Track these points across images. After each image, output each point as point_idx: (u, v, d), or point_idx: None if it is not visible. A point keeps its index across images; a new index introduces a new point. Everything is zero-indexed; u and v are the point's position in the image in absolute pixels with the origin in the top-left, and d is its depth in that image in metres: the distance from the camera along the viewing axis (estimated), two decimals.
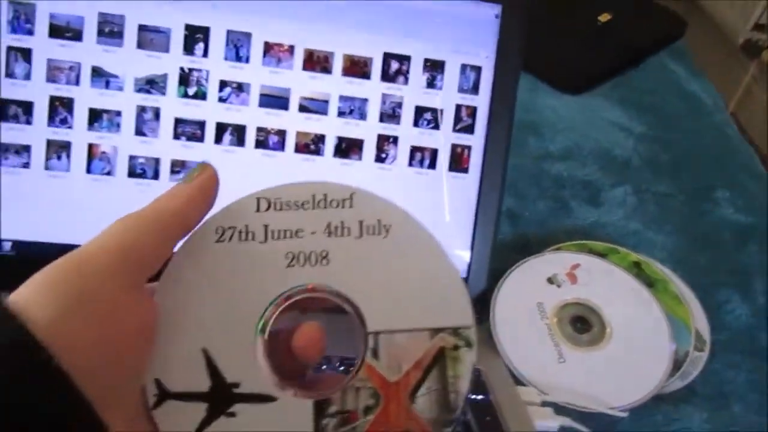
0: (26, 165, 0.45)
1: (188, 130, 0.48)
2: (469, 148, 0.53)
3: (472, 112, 0.52)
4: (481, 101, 0.52)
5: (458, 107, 0.52)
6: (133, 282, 0.23)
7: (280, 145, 0.50)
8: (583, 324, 0.54)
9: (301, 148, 0.50)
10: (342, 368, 0.30)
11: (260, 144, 0.49)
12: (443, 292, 0.27)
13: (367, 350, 0.27)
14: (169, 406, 0.25)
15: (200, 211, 0.26)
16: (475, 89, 0.52)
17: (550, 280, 0.57)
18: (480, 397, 0.44)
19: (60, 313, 0.21)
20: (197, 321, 0.26)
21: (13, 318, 0.20)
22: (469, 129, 0.53)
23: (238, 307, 0.26)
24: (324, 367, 0.31)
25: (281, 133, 0.50)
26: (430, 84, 0.51)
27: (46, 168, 0.45)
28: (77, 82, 0.45)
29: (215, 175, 0.27)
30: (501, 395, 0.45)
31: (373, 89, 0.51)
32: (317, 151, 0.50)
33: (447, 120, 0.52)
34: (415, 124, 0.52)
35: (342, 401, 0.26)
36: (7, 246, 0.44)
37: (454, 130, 0.52)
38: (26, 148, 0.45)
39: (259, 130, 0.49)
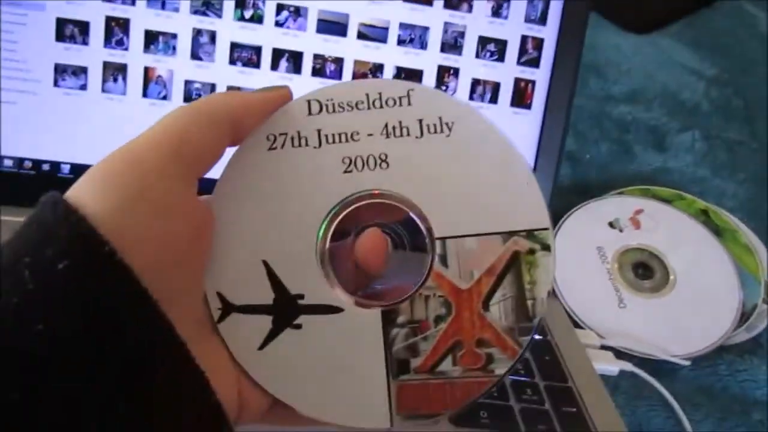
0: (83, 87, 0.44)
1: (244, 55, 0.46)
2: (533, 82, 0.50)
3: (539, 44, 0.49)
4: (549, 33, 0.49)
5: (524, 38, 0.49)
6: (186, 179, 0.22)
7: (338, 74, 0.48)
8: (645, 270, 0.52)
9: (359, 77, 0.48)
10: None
11: (317, 72, 0.48)
12: (515, 192, 0.25)
13: (435, 257, 0.25)
14: (233, 320, 0.24)
15: (255, 118, 0.25)
16: (542, 20, 0.49)
17: (612, 225, 0.54)
18: (538, 336, 0.43)
19: (119, 208, 0.20)
20: (255, 232, 0.25)
21: (73, 211, 0.19)
22: (535, 62, 0.50)
23: (296, 216, 0.25)
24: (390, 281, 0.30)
25: (338, 61, 0.48)
26: (495, 12, 0.49)
27: (103, 90, 0.45)
28: (133, 2, 0.44)
29: (287, 95, 0.25)
30: (559, 337, 0.44)
31: (435, 17, 0.48)
32: None
33: (511, 52, 0.50)
34: (478, 55, 0.49)
35: (411, 311, 0.25)
36: (66, 169, 0.44)
37: (519, 63, 0.50)
38: (83, 70, 0.44)
39: (316, 57, 0.47)
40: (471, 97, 0.50)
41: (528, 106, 0.50)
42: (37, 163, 0.44)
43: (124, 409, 0.18)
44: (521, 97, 0.50)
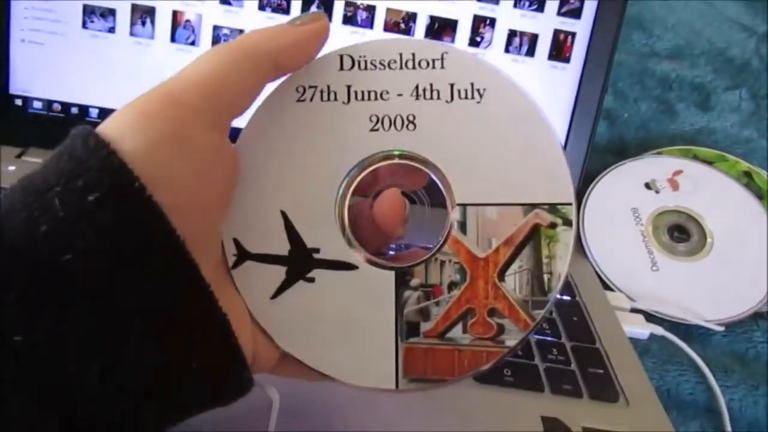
0: (111, 30, 0.44)
1: (274, 0, 0.45)
2: (573, 35, 0.48)
3: None
4: None
5: None
6: (221, 121, 0.22)
7: (369, 22, 0.47)
8: (681, 233, 0.50)
9: (391, 26, 0.47)
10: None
11: (348, 20, 0.46)
12: (541, 165, 0.25)
13: (454, 223, 0.25)
14: (247, 267, 0.24)
15: (296, 60, 0.24)
16: None
17: (648, 186, 0.52)
18: (567, 297, 0.42)
19: (152, 146, 0.19)
20: (276, 182, 0.25)
21: (105, 145, 0.19)
22: (576, 13, 0.48)
23: (318, 170, 0.25)
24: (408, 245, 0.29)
25: (371, 9, 0.46)
26: None
27: (131, 34, 0.44)
28: None
29: (326, 28, 0.24)
30: (588, 298, 0.43)
31: None
32: (408, 31, 0.47)
33: (552, 1, 0.47)
34: (516, 4, 0.47)
35: (425, 275, 0.25)
36: (95, 113, 0.44)
37: (559, 13, 0.48)
38: (111, 12, 0.44)
39: (348, 4, 0.46)
40: (507, 50, 0.48)
41: (567, 60, 0.49)
42: (66, 106, 0.44)
43: (146, 343, 0.19)
44: (560, 50, 0.48)
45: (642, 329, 0.43)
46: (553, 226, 0.25)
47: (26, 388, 0.17)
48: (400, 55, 0.25)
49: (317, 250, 0.25)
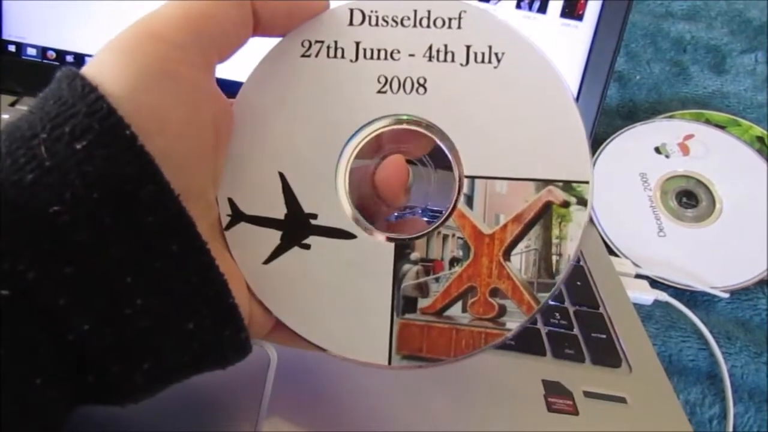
0: None
1: None
2: None
3: None
4: None
5: None
6: (206, 61, 0.21)
7: None
8: (689, 198, 0.49)
9: None
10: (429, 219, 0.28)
11: None
12: (559, 139, 0.23)
13: (460, 195, 0.23)
14: (241, 229, 0.23)
15: (280, 21, 0.23)
16: None
17: (658, 150, 0.51)
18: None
19: (138, 86, 0.18)
20: (275, 141, 0.23)
21: (92, 89, 0.18)
22: None
23: (320, 131, 0.23)
24: (409, 212, 0.28)
25: None
26: None
27: None
28: None
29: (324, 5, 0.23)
30: (593, 263, 0.42)
31: None
32: None
33: None
34: None
35: (426, 249, 0.24)
36: None
37: None
38: None
39: None
40: (518, 5, 0.47)
41: (579, 18, 0.47)
42: (60, 54, 0.43)
43: (138, 301, 0.18)
44: (573, 7, 0.47)
45: (646, 295, 0.42)
46: (566, 204, 0.23)
47: (14, 346, 0.16)
48: (415, 11, 0.23)
49: (315, 216, 0.23)
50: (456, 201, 0.23)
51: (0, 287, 0.16)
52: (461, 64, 0.23)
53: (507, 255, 0.23)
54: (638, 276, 0.44)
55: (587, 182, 0.23)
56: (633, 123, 0.53)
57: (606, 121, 0.53)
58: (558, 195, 0.23)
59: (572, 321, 0.36)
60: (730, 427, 0.37)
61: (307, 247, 0.23)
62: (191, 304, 0.19)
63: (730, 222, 0.47)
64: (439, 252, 0.24)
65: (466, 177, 0.23)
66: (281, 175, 0.23)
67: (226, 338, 0.20)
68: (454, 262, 0.24)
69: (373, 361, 0.23)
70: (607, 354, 0.35)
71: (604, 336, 0.36)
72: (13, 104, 0.41)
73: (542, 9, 0.47)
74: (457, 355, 0.23)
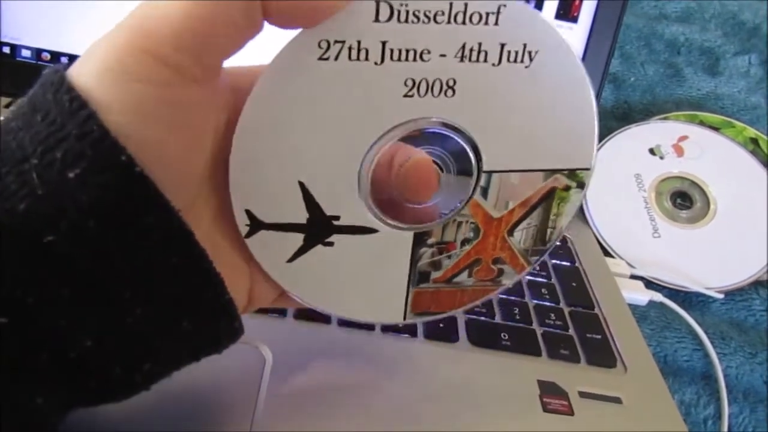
0: None
1: None
2: None
3: None
4: None
5: None
6: (210, 71, 0.19)
7: None
8: (684, 200, 0.49)
9: None
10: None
11: None
12: (575, 133, 0.24)
13: (477, 188, 0.24)
14: (261, 236, 0.23)
15: (292, 14, 0.19)
16: None
17: (653, 151, 0.51)
18: (566, 263, 0.42)
19: (137, 120, 0.17)
20: (293, 149, 0.22)
21: (82, 105, 0.17)
22: None
23: (341, 138, 0.22)
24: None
25: None
26: None
27: None
28: None
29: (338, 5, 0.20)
30: (588, 264, 0.42)
31: None
32: None
33: None
34: None
35: (442, 234, 0.25)
36: None
37: None
38: None
39: None
40: None
41: (574, 19, 0.47)
42: (55, 55, 0.43)
43: (136, 315, 0.18)
44: (568, 8, 0.47)
45: (641, 296, 0.42)
46: (567, 188, 0.25)
47: (15, 372, 0.16)
48: (450, 5, 0.21)
49: (337, 218, 0.23)
50: (473, 193, 0.24)
51: None
52: (493, 64, 0.22)
53: (511, 232, 0.26)
54: (633, 277, 0.44)
55: (589, 169, 0.25)
56: (627, 124, 0.53)
57: (600, 122, 0.53)
58: (561, 181, 0.25)
59: (567, 321, 0.36)
60: (725, 428, 0.37)
61: (331, 244, 0.24)
62: (189, 306, 0.19)
63: (724, 223, 0.48)
64: (452, 235, 0.25)
65: (485, 172, 0.24)
66: (301, 185, 0.22)
67: (222, 329, 0.21)
68: (465, 242, 0.25)
69: (389, 321, 0.26)
70: (603, 354, 0.35)
71: (599, 336, 0.36)
72: (8, 105, 0.41)
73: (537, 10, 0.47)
74: (459, 306, 0.27)
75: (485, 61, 0.22)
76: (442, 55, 0.21)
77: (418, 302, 0.26)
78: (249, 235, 0.22)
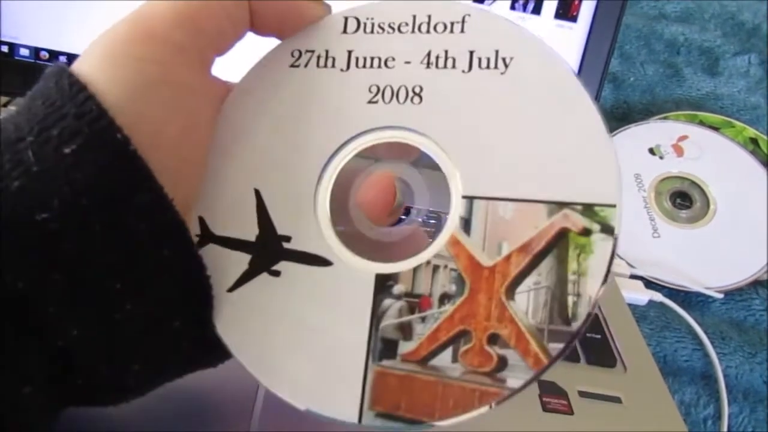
0: None
1: None
2: None
3: None
4: None
5: None
6: (204, 58, 0.20)
7: None
8: (683, 200, 0.49)
9: None
10: (429, 221, 0.25)
11: None
12: (577, 153, 0.19)
13: (455, 219, 0.20)
14: (209, 251, 0.21)
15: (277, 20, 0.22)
16: None
17: (652, 151, 0.51)
18: None
19: (132, 92, 0.18)
20: (254, 155, 0.21)
21: (81, 88, 0.17)
22: None
23: (302, 146, 0.21)
24: (402, 219, 0.24)
25: None
26: None
27: None
28: None
29: (325, 10, 0.22)
30: None
31: None
32: None
33: None
34: None
35: (412, 281, 0.20)
36: None
37: None
38: None
39: None
40: (512, 7, 0.47)
41: (574, 19, 0.47)
42: (53, 54, 0.43)
43: (126, 306, 0.18)
44: (567, 8, 0.47)
45: (641, 295, 0.42)
46: (586, 233, 0.18)
47: (2, 356, 0.16)
48: (414, 17, 0.21)
49: (288, 239, 0.21)
50: (448, 221, 0.20)
51: None
52: (463, 71, 0.21)
53: (510, 293, 0.19)
54: (633, 276, 0.44)
55: (614, 206, 0.18)
56: (627, 124, 0.53)
57: None
58: (576, 221, 0.19)
59: None
60: (725, 428, 0.37)
61: (277, 273, 0.20)
62: (180, 306, 0.19)
63: (724, 223, 0.48)
64: (427, 286, 0.20)
65: (464, 197, 0.20)
66: (257, 192, 0.21)
67: (214, 337, 0.20)
68: (444, 299, 0.19)
69: (340, 418, 0.19)
70: (602, 354, 0.34)
71: (599, 336, 0.36)
72: (6, 105, 0.41)
73: (536, 10, 0.47)
74: (442, 417, 0.18)
75: (453, 67, 0.21)
76: (407, 62, 0.21)
77: (382, 392, 0.19)
78: (199, 245, 0.21)
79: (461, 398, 0.19)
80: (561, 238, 0.19)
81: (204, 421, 0.25)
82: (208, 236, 0.21)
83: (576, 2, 0.47)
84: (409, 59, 0.21)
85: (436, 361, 0.19)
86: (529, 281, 0.19)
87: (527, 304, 0.19)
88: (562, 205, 0.19)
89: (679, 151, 0.51)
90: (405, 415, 0.19)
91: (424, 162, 0.22)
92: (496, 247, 0.19)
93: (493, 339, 0.19)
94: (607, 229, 0.18)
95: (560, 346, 0.18)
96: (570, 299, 0.18)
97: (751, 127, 0.54)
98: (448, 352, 0.19)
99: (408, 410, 0.19)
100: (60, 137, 0.16)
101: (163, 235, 0.18)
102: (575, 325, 0.18)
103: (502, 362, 0.18)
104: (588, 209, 0.19)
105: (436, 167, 0.21)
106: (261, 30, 0.22)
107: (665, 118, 0.55)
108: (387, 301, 0.20)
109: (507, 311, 0.19)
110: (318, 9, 0.22)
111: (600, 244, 0.18)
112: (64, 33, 0.42)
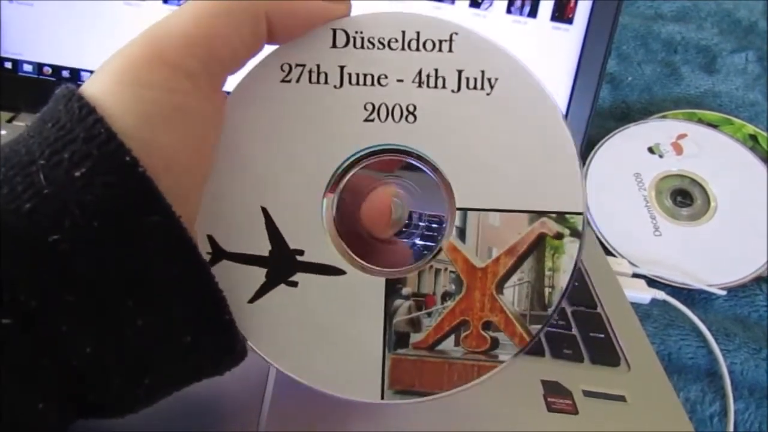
0: None
1: None
2: None
3: None
4: None
5: None
6: (216, 83, 0.20)
7: None
8: (684, 198, 0.50)
9: None
10: (431, 226, 0.26)
11: None
12: (552, 169, 0.22)
13: (452, 228, 0.23)
14: (223, 267, 0.22)
15: (299, 20, 0.21)
16: None
17: (652, 150, 0.52)
18: None
19: (143, 117, 0.18)
20: (257, 173, 0.22)
21: (90, 111, 0.17)
22: None
23: (304, 164, 0.22)
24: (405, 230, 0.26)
25: None
26: None
27: None
28: None
29: (347, 8, 0.22)
30: (590, 263, 0.42)
31: None
32: None
33: None
34: None
35: (418, 283, 0.23)
36: (86, 76, 0.43)
37: None
38: None
39: None
40: (509, 10, 0.47)
41: (570, 21, 0.47)
42: (57, 69, 0.43)
43: (137, 323, 0.18)
44: (563, 10, 0.47)
45: (644, 294, 0.43)
46: (559, 236, 0.23)
47: (16, 375, 0.16)
48: (403, 33, 0.22)
49: (301, 252, 0.22)
50: (448, 234, 0.23)
51: (1, 316, 0.16)
52: (452, 91, 0.22)
53: (500, 288, 0.23)
54: (635, 275, 0.44)
55: (581, 213, 0.23)
56: (626, 124, 0.54)
57: (599, 122, 0.53)
58: (551, 227, 0.23)
59: (570, 321, 0.36)
60: (731, 425, 0.37)
61: (294, 284, 0.22)
62: (190, 321, 0.19)
63: (725, 220, 0.48)
64: (431, 286, 0.23)
65: (458, 209, 0.23)
66: (264, 210, 0.22)
67: (223, 348, 0.20)
68: (446, 296, 0.23)
69: (366, 399, 0.23)
70: (606, 353, 0.35)
71: (603, 335, 0.36)
72: (10, 120, 0.42)
73: (532, 13, 0.47)
74: (449, 389, 0.23)
75: (444, 87, 0.22)
76: (400, 80, 0.22)
77: (399, 375, 0.23)
78: (212, 263, 0.22)
79: (463, 373, 0.23)
80: (539, 242, 0.23)
81: (211, 421, 0.26)
82: (220, 253, 0.22)
83: (571, 4, 0.47)
84: (401, 77, 0.22)
85: (441, 347, 0.23)
86: (514, 278, 0.23)
87: (513, 296, 0.23)
88: (540, 214, 0.23)
89: (678, 149, 0.51)
90: (419, 390, 0.23)
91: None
92: (486, 251, 0.23)
93: (487, 325, 0.23)
94: (576, 233, 0.23)
95: (539, 326, 0.23)
96: (546, 290, 0.23)
97: (750, 123, 0.54)
98: (451, 339, 0.23)
99: (421, 386, 0.23)
100: (71, 160, 0.17)
101: (172, 253, 0.18)
102: (550, 310, 0.23)
103: (495, 343, 0.23)
104: (561, 217, 0.23)
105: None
106: (281, 41, 0.22)
107: (664, 116, 0.55)
108: (397, 301, 0.23)
109: (497, 303, 0.23)
110: (345, 7, 0.22)
111: (570, 245, 0.23)
112: (67, 48, 0.43)
